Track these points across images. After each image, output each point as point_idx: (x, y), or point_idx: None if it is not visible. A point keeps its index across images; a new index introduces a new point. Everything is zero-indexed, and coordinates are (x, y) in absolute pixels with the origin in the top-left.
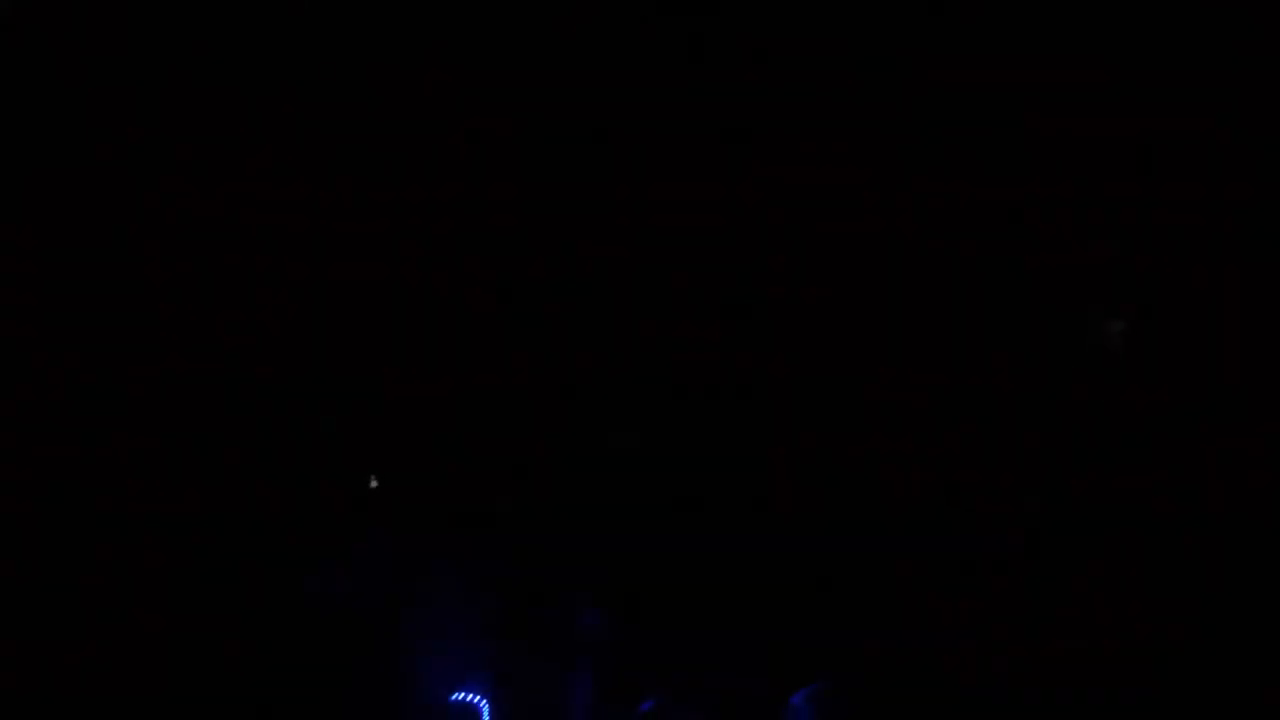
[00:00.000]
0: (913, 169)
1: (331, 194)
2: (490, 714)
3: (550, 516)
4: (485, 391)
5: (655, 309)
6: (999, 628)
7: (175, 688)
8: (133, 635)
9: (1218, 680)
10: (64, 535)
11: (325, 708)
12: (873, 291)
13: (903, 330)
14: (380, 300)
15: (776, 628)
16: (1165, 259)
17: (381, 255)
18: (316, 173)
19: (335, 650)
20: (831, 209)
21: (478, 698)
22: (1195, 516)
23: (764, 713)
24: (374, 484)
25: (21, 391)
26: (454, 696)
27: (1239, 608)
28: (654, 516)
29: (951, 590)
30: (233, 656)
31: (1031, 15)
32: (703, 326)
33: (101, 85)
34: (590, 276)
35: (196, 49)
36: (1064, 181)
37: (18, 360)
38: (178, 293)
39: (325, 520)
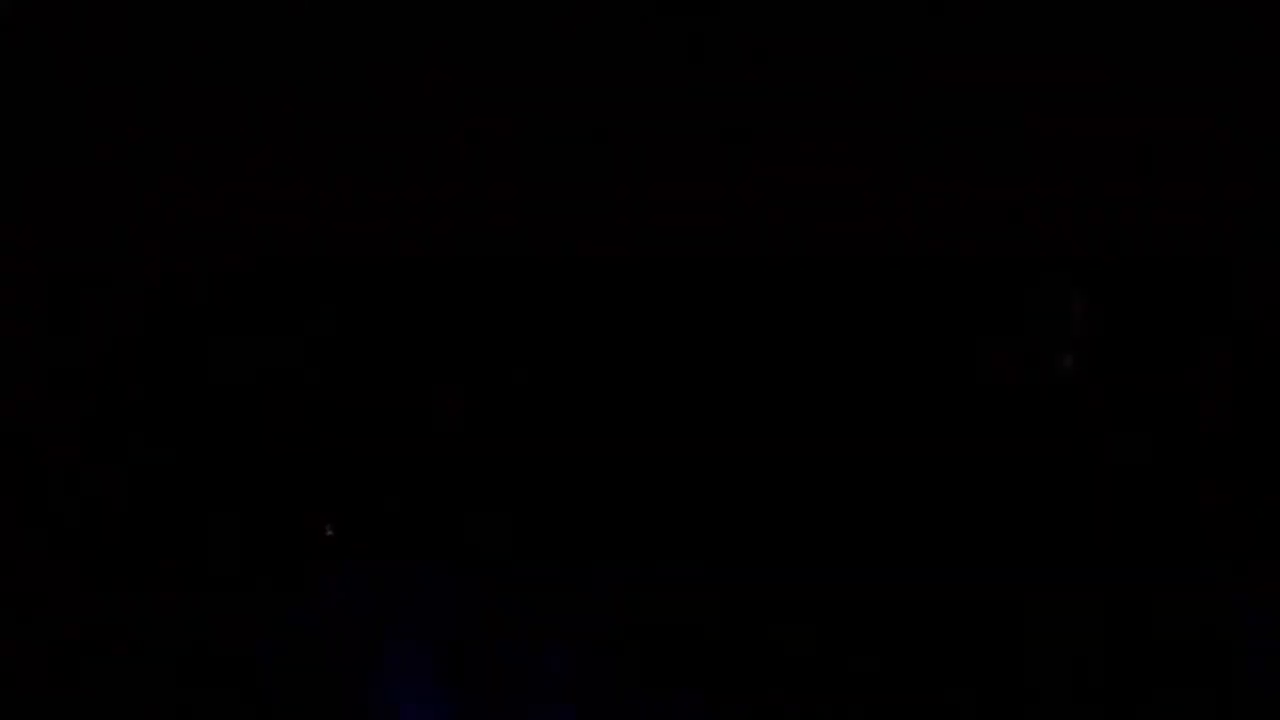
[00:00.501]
0: (913, 169)
1: (331, 194)
2: None
3: (540, 537)
4: (484, 396)
5: (655, 309)
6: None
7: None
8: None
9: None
10: (62, 537)
11: None
12: (872, 291)
13: (902, 330)
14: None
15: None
16: (1165, 258)
17: (381, 255)
18: (316, 173)
19: (308, 682)
20: (831, 209)
21: None
22: (1194, 515)
23: None
24: (329, 532)
25: (22, 391)
26: None
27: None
28: (655, 521)
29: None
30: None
31: (1031, 15)
32: (702, 326)
33: (101, 85)
34: (590, 276)
35: (196, 49)
36: (1064, 181)
37: (18, 360)
38: (177, 292)
39: (302, 548)
